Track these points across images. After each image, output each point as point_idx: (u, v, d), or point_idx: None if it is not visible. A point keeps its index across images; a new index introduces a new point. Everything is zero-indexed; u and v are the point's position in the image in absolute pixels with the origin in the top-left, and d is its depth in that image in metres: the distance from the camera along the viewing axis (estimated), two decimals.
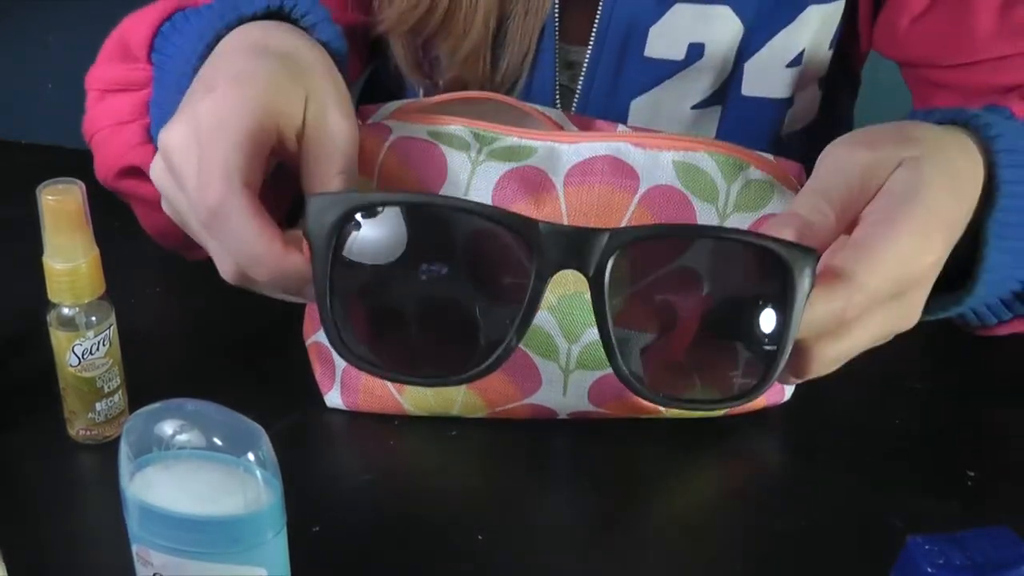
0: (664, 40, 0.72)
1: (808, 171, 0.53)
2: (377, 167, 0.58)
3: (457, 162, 0.58)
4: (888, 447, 0.62)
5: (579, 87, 0.75)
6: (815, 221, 0.49)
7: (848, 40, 0.78)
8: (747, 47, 0.73)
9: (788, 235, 0.48)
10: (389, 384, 0.60)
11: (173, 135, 0.51)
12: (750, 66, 0.74)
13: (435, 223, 0.50)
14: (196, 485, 0.43)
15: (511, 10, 0.71)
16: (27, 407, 0.62)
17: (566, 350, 0.58)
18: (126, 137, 0.62)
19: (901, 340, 0.53)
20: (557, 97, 0.75)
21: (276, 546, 0.44)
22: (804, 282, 0.47)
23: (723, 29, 0.72)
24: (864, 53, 0.80)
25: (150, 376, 0.61)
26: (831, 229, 0.49)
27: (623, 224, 0.57)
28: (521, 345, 0.55)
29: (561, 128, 0.62)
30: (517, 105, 0.63)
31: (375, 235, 0.49)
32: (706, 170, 0.58)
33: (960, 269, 0.55)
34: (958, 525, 0.46)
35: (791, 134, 0.79)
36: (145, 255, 0.69)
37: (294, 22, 0.59)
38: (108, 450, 0.56)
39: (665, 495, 0.59)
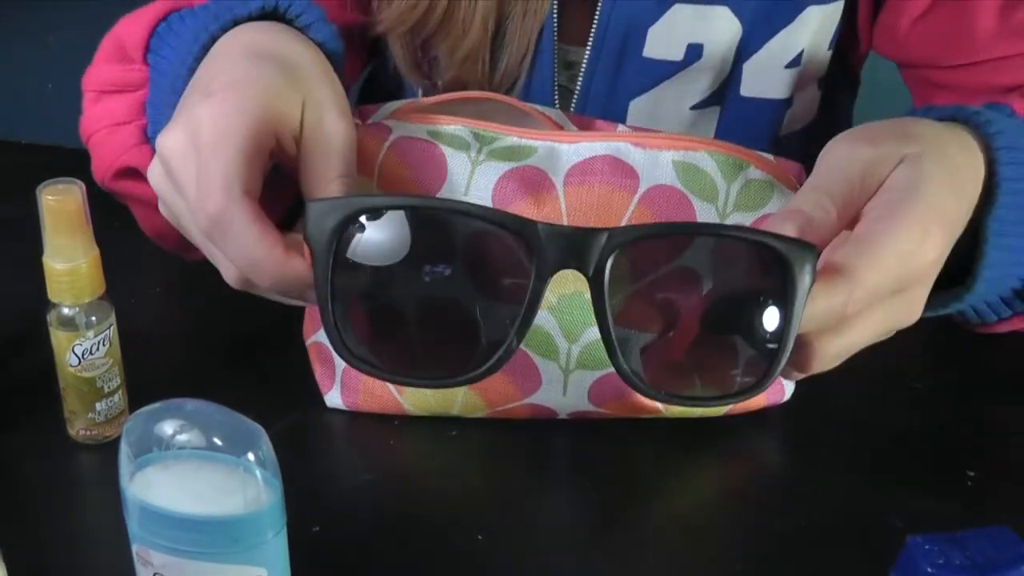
0: (663, 41, 0.72)
1: (808, 171, 0.53)
2: (377, 167, 0.58)
3: (457, 162, 0.58)
4: (888, 447, 0.62)
5: (578, 87, 0.75)
6: (816, 217, 0.49)
7: (847, 40, 0.78)
8: (746, 48, 0.73)
9: (790, 231, 0.48)
10: (389, 384, 0.60)
11: (171, 141, 0.51)
12: (749, 67, 0.74)
13: (434, 226, 0.50)
14: (196, 485, 0.43)
15: (510, 10, 0.71)
16: (27, 407, 0.62)
17: (566, 350, 0.58)
18: (123, 138, 0.62)
19: (901, 338, 0.53)
20: (556, 97, 0.75)
21: (276, 546, 0.44)
22: (805, 278, 0.47)
23: (722, 29, 0.72)
24: (863, 53, 0.80)
25: (150, 376, 0.61)
26: (832, 225, 0.49)
27: (623, 224, 0.57)
28: (521, 345, 0.55)
29: (561, 128, 0.62)
30: (517, 105, 0.63)
31: (375, 238, 0.49)
32: (706, 170, 0.58)
33: (960, 266, 0.55)
34: (958, 525, 0.46)
35: (790, 134, 0.79)
36: (145, 255, 0.69)
37: (288, 22, 0.59)
38: (108, 450, 0.56)
39: (665, 495, 0.59)
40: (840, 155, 0.51)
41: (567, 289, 0.57)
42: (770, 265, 0.48)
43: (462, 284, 0.51)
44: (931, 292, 0.52)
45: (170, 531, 0.43)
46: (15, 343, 0.67)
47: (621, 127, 0.62)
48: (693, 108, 0.76)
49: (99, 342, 0.57)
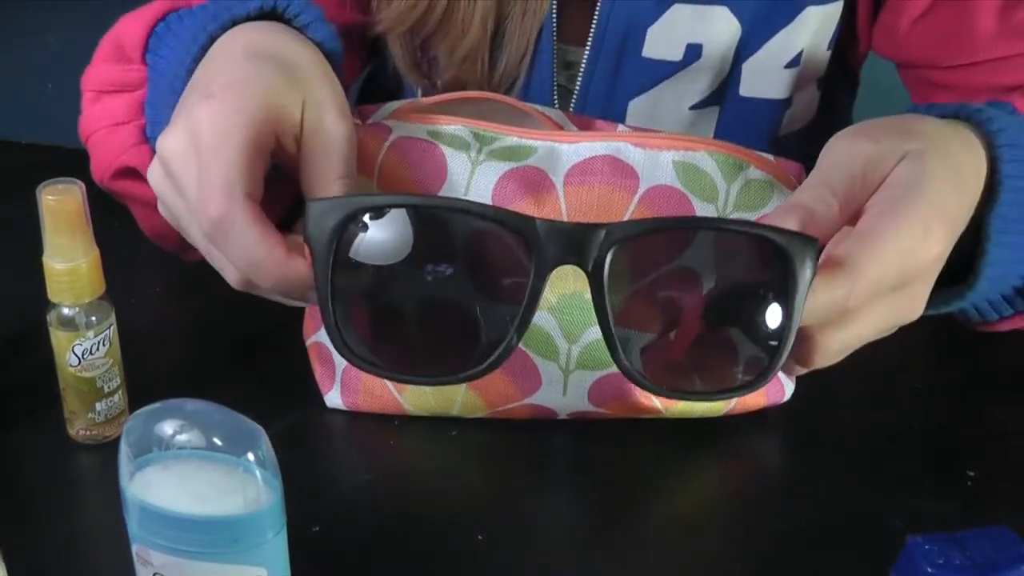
0: (662, 41, 0.72)
1: (808, 171, 0.53)
2: (377, 167, 0.58)
3: (457, 162, 0.58)
4: (888, 446, 0.62)
5: (577, 87, 0.75)
6: (818, 211, 0.49)
7: (847, 41, 0.78)
8: (745, 48, 0.73)
9: (792, 224, 0.48)
10: (389, 384, 0.60)
11: (171, 142, 0.51)
12: (748, 67, 0.74)
13: (434, 224, 0.50)
14: (196, 485, 0.43)
15: (509, 10, 0.71)
16: (27, 407, 0.62)
17: (566, 351, 0.58)
18: (121, 138, 0.62)
19: (902, 337, 0.53)
20: (555, 97, 0.75)
21: (276, 546, 0.44)
22: (806, 271, 0.47)
23: (721, 29, 0.72)
24: (863, 54, 0.80)
25: (150, 376, 0.61)
26: (834, 220, 0.49)
27: None
28: (521, 345, 0.55)
29: (561, 128, 0.62)
30: (517, 105, 0.63)
31: (375, 237, 0.49)
32: (706, 170, 0.58)
33: (962, 264, 0.55)
34: (958, 525, 0.46)
35: (789, 135, 0.79)
36: (145, 255, 0.69)
37: (287, 22, 0.59)
38: (108, 450, 0.56)
39: (665, 495, 0.59)
40: (842, 151, 0.51)
41: (567, 289, 0.57)
42: (771, 259, 0.47)
43: (462, 282, 0.51)
44: (933, 290, 0.52)
45: (170, 531, 0.43)
46: (15, 343, 0.67)
47: (621, 127, 0.62)
48: (692, 108, 0.76)
49: (99, 342, 0.57)
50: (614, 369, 0.55)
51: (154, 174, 0.53)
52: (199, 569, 0.43)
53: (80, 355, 0.57)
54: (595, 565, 0.54)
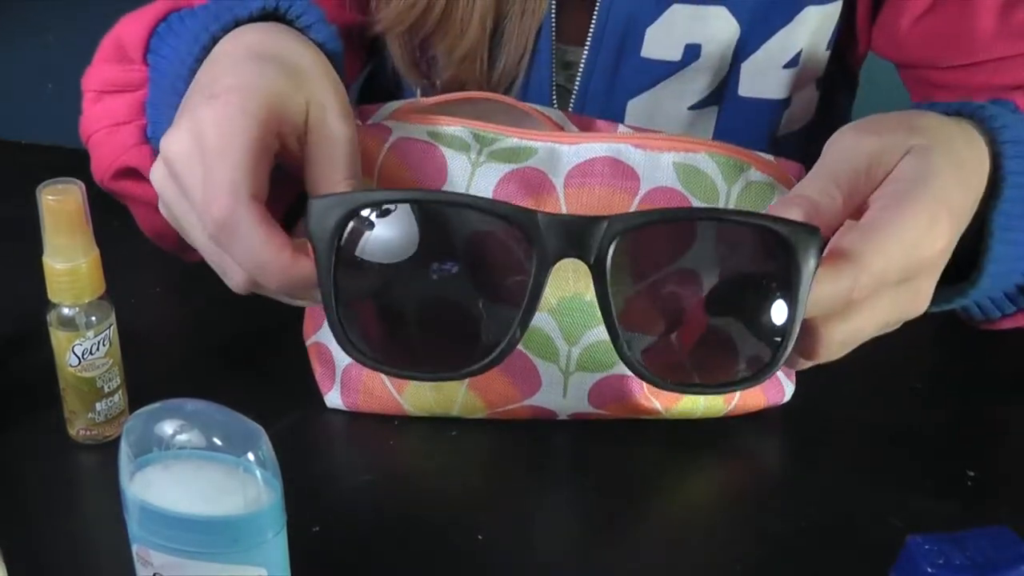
0: (661, 40, 0.72)
1: (808, 171, 0.53)
2: (377, 168, 0.58)
3: (457, 163, 0.58)
4: (888, 446, 0.62)
5: (576, 87, 0.75)
6: (822, 203, 0.49)
7: (846, 41, 0.78)
8: (744, 48, 0.73)
9: (795, 215, 0.48)
10: (389, 384, 0.60)
11: (175, 144, 0.51)
12: (747, 67, 0.74)
13: (435, 219, 0.50)
14: (196, 485, 0.43)
15: (508, 10, 0.71)
16: (27, 407, 0.62)
17: (566, 352, 0.58)
18: (122, 138, 0.62)
19: (902, 336, 0.53)
20: (554, 97, 0.75)
21: (276, 546, 0.44)
22: (810, 262, 0.46)
23: (720, 29, 0.72)
24: (862, 54, 0.80)
25: (150, 376, 0.61)
26: (838, 212, 0.49)
27: None
28: (521, 347, 0.55)
29: (561, 128, 0.62)
30: (517, 105, 0.63)
31: (377, 234, 0.49)
32: (706, 171, 0.58)
33: (965, 261, 0.55)
34: (958, 525, 0.46)
35: (788, 135, 0.79)
36: (145, 255, 0.69)
37: (289, 23, 0.59)
38: (108, 450, 0.56)
39: (665, 495, 0.59)
40: (846, 145, 0.51)
41: (567, 291, 0.57)
42: (774, 250, 0.47)
43: (464, 277, 0.51)
44: (936, 287, 0.52)
45: (170, 531, 0.43)
46: (15, 343, 0.67)
47: (622, 128, 0.62)
48: (691, 108, 0.76)
49: (99, 342, 0.57)
50: (614, 371, 0.55)
51: (157, 175, 0.53)
52: (199, 569, 0.43)
53: (80, 355, 0.57)
54: (595, 565, 0.54)
